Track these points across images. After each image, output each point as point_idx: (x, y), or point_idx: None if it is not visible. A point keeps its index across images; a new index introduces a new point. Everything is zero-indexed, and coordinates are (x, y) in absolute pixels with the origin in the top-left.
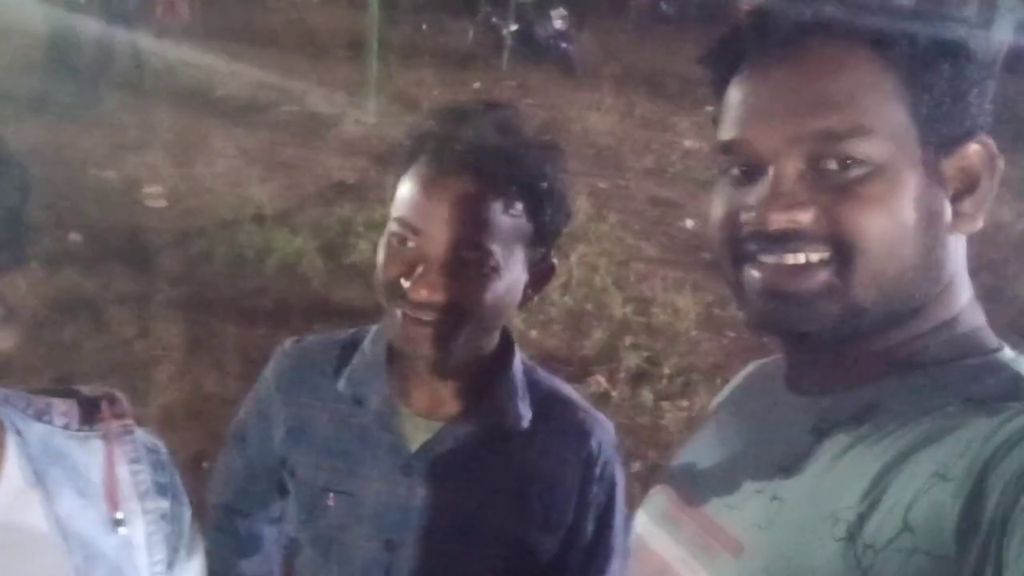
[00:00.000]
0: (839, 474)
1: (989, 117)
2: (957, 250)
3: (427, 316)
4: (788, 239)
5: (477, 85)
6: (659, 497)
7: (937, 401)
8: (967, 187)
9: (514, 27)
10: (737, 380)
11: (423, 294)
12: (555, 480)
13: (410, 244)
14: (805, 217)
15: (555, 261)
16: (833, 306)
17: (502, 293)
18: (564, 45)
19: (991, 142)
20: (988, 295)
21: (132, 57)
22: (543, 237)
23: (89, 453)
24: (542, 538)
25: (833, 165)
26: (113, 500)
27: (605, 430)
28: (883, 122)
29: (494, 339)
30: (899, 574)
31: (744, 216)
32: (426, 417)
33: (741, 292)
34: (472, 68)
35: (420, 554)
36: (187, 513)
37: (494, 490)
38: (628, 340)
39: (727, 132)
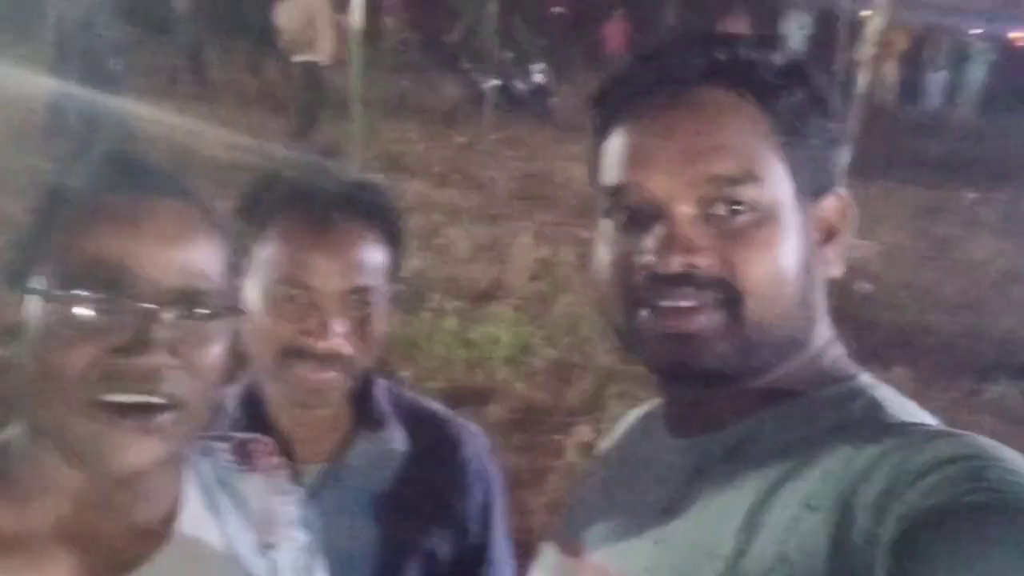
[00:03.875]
0: (715, 512)
1: (843, 175)
2: (822, 292)
3: (329, 365)
4: (684, 282)
5: (460, 139)
6: (551, 551)
7: (804, 430)
8: (827, 236)
9: (495, 82)
10: (621, 427)
11: (328, 344)
12: (438, 491)
13: (298, 301)
14: (702, 261)
15: (401, 287)
16: (726, 346)
17: (380, 323)
18: (545, 98)
19: (846, 195)
20: (969, 332)
21: (122, 125)
22: (397, 266)
23: (249, 484)
24: (436, 546)
25: (722, 210)
26: (267, 526)
27: (473, 436)
28: (768, 169)
29: None
30: None
31: (640, 261)
32: (305, 462)
33: (633, 335)
34: (455, 123)
35: None
36: (317, 548)
37: (386, 512)
38: (614, 389)
39: (616, 176)
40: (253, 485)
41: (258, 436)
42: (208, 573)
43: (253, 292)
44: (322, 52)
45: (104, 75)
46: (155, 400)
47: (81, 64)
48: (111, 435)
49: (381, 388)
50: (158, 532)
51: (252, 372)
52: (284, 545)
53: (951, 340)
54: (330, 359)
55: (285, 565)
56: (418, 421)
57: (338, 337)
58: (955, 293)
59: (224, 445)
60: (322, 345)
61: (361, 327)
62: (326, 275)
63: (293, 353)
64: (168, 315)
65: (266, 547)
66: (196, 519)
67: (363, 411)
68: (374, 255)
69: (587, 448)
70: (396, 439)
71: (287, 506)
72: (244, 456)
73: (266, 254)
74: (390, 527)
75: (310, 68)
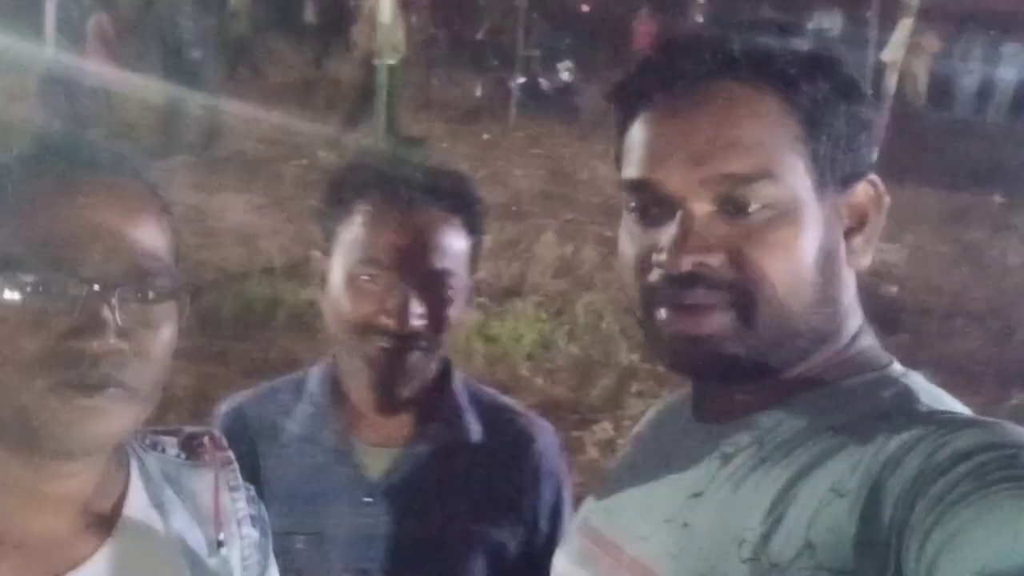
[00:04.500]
0: (743, 496)
1: (874, 157)
2: (850, 282)
3: (408, 345)
4: (696, 282)
5: (486, 136)
6: (576, 536)
7: (834, 418)
8: (857, 224)
9: (521, 80)
10: (648, 415)
11: (407, 325)
12: (509, 484)
13: (380, 282)
14: (715, 260)
15: (481, 274)
16: (739, 347)
17: (460, 309)
18: (570, 96)
19: (879, 181)
20: (996, 339)
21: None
22: (477, 253)
23: (198, 480)
24: (504, 540)
25: (739, 208)
26: (218, 523)
27: (546, 432)
28: (788, 166)
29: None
30: None
31: (655, 257)
32: (380, 446)
33: (651, 333)
34: (480, 120)
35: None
36: (270, 547)
37: (456, 502)
38: (634, 387)
39: (635, 170)
40: (201, 481)
41: (208, 429)
42: (153, 568)
43: (336, 272)
44: (396, 55)
45: (186, 66)
46: (109, 388)
47: (165, 56)
48: (66, 414)
49: (459, 378)
50: (102, 527)
51: (334, 352)
52: (234, 543)
53: (977, 346)
54: (407, 340)
55: (235, 563)
56: (493, 414)
57: (416, 318)
58: (982, 299)
59: (171, 439)
60: (400, 325)
61: (439, 311)
62: (407, 256)
63: (371, 331)
64: (117, 297)
65: (216, 545)
66: (141, 514)
67: (440, 399)
68: (455, 241)
69: (607, 445)
70: (471, 429)
71: (238, 503)
72: (191, 450)
73: (350, 235)
74: (459, 516)
75: (392, 70)
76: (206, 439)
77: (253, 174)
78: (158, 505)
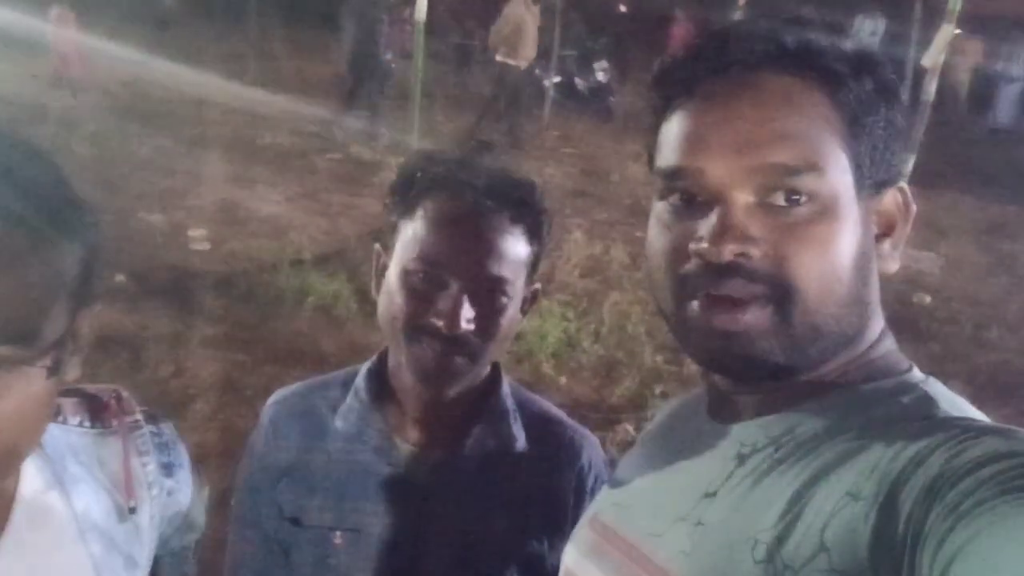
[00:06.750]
0: (758, 497)
1: (910, 166)
2: (876, 286)
3: (454, 348)
4: (735, 273)
5: (519, 134)
6: (587, 530)
7: (852, 421)
8: (886, 231)
9: (556, 79)
10: (662, 413)
11: (455, 327)
12: (552, 496)
13: (433, 281)
14: (756, 251)
15: (539, 285)
16: (771, 344)
17: (513, 317)
18: (605, 96)
19: (907, 189)
20: None
21: None
22: (537, 263)
23: (105, 448)
24: (542, 551)
25: (781, 200)
26: (129, 490)
27: (593, 446)
28: (831, 160)
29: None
30: None
31: (693, 247)
32: (423, 448)
33: (683, 327)
34: None
35: None
36: (192, 481)
37: (496, 510)
38: (658, 389)
39: (674, 158)
40: (109, 448)
41: (115, 388)
42: (55, 551)
43: (393, 268)
44: (523, 59)
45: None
46: None
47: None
48: None
49: (507, 385)
50: None
51: (384, 348)
52: (144, 505)
53: (1009, 357)
54: (454, 342)
55: (144, 523)
56: (540, 423)
57: (465, 321)
58: (1017, 310)
59: (74, 405)
60: (449, 327)
61: (490, 317)
62: (463, 258)
63: (420, 331)
64: None
65: (128, 512)
66: (37, 499)
67: (487, 404)
68: (515, 248)
69: (629, 446)
70: (516, 437)
71: (148, 465)
72: (97, 414)
73: (411, 232)
74: (498, 524)
75: (511, 69)
76: (112, 399)
77: (287, 166)
78: (58, 484)
